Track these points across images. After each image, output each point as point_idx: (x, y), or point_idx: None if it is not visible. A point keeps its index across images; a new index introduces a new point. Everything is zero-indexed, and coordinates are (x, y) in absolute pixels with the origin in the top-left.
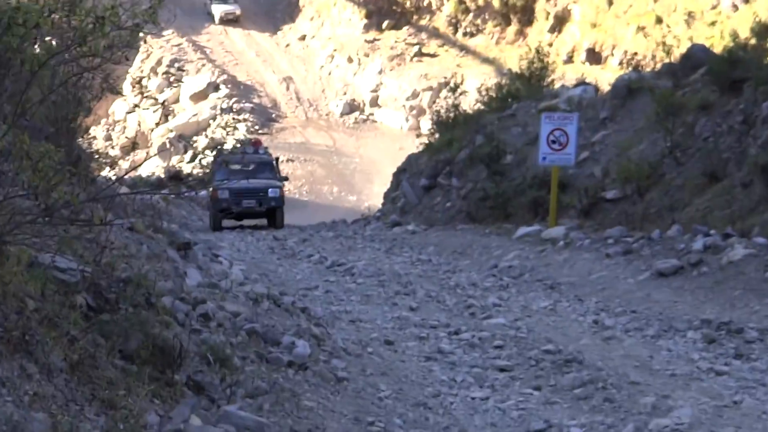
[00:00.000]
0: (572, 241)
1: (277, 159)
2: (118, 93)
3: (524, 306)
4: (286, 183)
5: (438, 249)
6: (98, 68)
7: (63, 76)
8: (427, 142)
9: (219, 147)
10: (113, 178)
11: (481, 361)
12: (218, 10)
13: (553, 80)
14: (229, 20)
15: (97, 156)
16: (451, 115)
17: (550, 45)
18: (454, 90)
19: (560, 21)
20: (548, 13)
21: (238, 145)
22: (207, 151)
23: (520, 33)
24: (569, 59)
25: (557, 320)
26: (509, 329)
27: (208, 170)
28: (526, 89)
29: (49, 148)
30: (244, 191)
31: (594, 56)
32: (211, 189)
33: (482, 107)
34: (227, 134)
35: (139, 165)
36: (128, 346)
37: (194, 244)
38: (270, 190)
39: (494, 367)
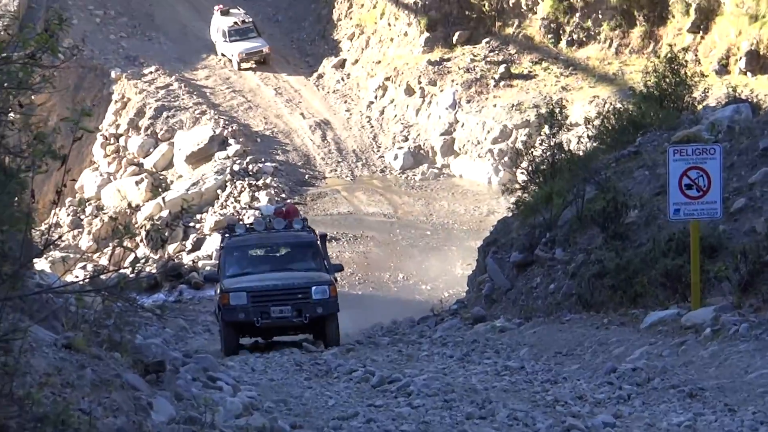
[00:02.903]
0: (723, 326)
1: (324, 237)
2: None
3: (649, 424)
4: (338, 275)
5: (535, 351)
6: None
7: None
8: (517, 200)
9: (228, 226)
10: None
11: None
12: (235, 49)
13: (695, 100)
14: (254, 62)
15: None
16: (550, 159)
17: (691, 51)
18: (551, 121)
19: (706, 15)
20: (688, 5)
21: (259, 215)
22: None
23: (650, 36)
24: (723, 68)
25: None
26: None
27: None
28: (656, 115)
29: None
30: (273, 292)
31: (756, 62)
32: (218, 290)
33: (594, 144)
34: (244, 208)
35: (122, 259)
36: None
37: (182, 364)
38: (314, 288)
39: None
